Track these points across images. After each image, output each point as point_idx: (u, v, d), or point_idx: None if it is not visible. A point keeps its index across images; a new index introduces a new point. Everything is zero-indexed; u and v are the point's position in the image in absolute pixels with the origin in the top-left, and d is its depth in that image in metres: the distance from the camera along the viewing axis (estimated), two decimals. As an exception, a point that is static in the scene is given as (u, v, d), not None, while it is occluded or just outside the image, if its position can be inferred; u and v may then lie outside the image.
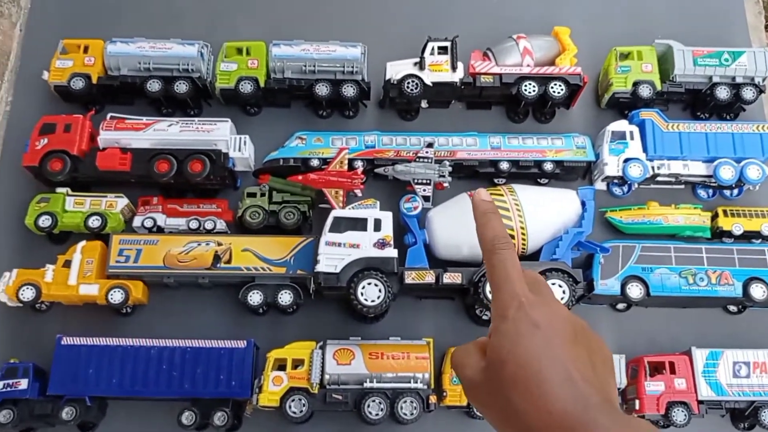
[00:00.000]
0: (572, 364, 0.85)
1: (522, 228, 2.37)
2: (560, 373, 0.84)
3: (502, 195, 2.43)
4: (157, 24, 2.88)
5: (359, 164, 2.61)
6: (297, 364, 2.34)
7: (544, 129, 2.82)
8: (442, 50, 2.68)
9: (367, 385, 2.31)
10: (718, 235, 2.65)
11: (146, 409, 2.40)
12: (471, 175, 2.68)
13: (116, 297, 2.39)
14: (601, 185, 2.73)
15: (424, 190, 2.53)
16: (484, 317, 2.52)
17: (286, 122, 2.78)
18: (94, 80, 2.65)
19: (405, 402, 2.30)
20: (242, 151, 2.56)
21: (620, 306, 2.59)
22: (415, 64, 2.67)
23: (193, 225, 2.54)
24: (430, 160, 2.56)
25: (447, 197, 2.55)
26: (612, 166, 2.62)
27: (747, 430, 2.46)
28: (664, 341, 2.53)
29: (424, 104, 2.82)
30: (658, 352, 2.47)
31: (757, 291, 2.48)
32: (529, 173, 2.68)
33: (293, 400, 2.29)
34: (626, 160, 2.62)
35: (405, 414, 2.29)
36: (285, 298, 2.43)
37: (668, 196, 2.72)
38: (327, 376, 2.31)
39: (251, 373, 2.36)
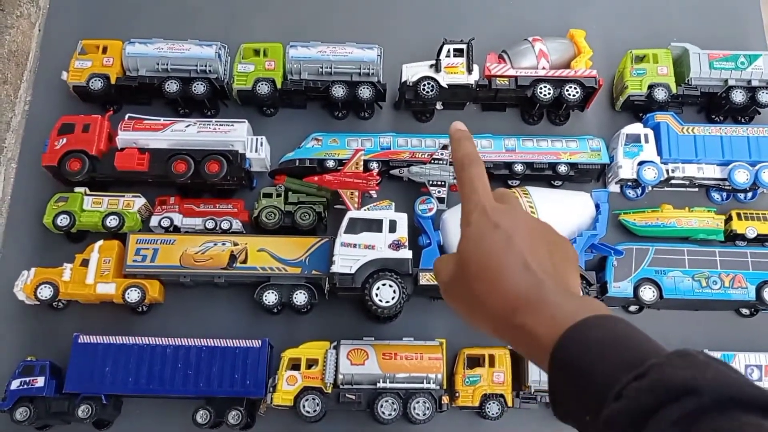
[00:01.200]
0: (529, 254, 0.94)
1: (536, 230, 2.38)
2: (517, 263, 0.93)
3: (516, 197, 2.43)
4: (174, 25, 2.90)
5: (374, 165, 2.62)
6: (311, 363, 2.36)
7: (559, 131, 2.83)
8: (458, 52, 2.69)
9: (381, 385, 2.33)
10: (732, 238, 2.64)
11: (161, 407, 2.42)
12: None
13: (133, 296, 2.42)
14: (614, 188, 2.73)
15: (439, 192, 2.55)
16: (498, 319, 2.52)
17: (302, 123, 2.79)
18: (113, 81, 2.67)
19: (418, 402, 2.32)
20: (259, 152, 2.58)
21: (632, 308, 2.60)
22: (431, 66, 2.68)
23: (210, 225, 2.56)
24: (445, 162, 2.57)
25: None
26: (626, 169, 2.62)
27: (759, 434, 2.46)
28: (676, 343, 2.45)
29: (439, 106, 2.83)
30: (671, 354, 2.46)
31: (770, 295, 2.48)
32: (543, 175, 2.69)
33: (307, 400, 2.31)
34: (641, 163, 2.62)
35: (418, 414, 2.31)
36: (300, 298, 2.45)
37: (682, 199, 2.72)
38: (341, 376, 2.33)
39: (266, 373, 2.38)
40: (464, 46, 2.68)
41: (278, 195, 2.59)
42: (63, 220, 2.51)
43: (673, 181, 2.68)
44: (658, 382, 0.71)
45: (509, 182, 2.70)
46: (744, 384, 0.71)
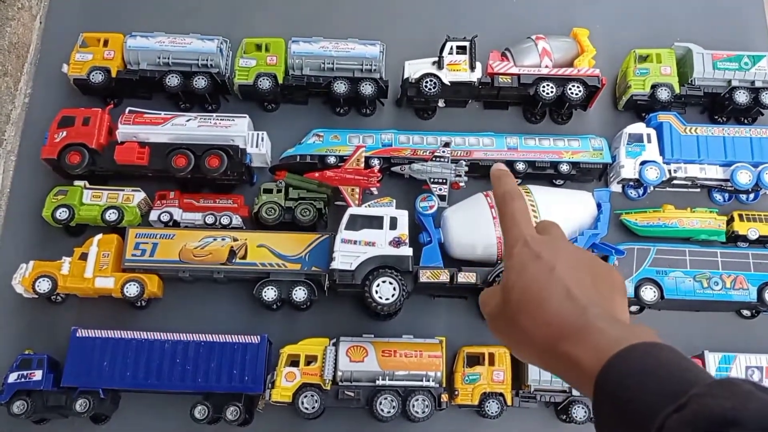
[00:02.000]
0: (573, 283, 0.93)
1: (538, 229, 2.37)
2: (560, 292, 0.92)
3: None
4: (176, 19, 2.90)
5: (376, 162, 2.61)
6: (310, 360, 2.35)
7: (561, 130, 2.82)
8: (461, 50, 2.68)
9: (380, 382, 2.32)
10: (734, 239, 2.64)
11: (159, 402, 2.41)
12: (487, 175, 2.65)
13: (131, 290, 2.41)
14: (616, 187, 2.72)
15: (440, 190, 2.54)
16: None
17: (303, 119, 2.78)
18: (114, 74, 2.66)
19: (417, 400, 2.31)
20: (259, 147, 2.57)
21: (633, 308, 2.59)
22: (434, 63, 2.67)
23: (209, 220, 2.56)
24: (446, 160, 2.56)
25: (463, 197, 2.56)
26: (629, 169, 2.61)
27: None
28: (677, 344, 2.39)
29: (441, 103, 2.82)
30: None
31: (772, 296, 2.47)
32: (545, 174, 2.68)
33: (306, 396, 2.30)
34: (643, 163, 2.61)
35: (417, 412, 2.30)
36: (299, 294, 2.44)
37: (684, 200, 2.72)
38: (340, 373, 2.32)
39: (264, 369, 2.37)
40: (467, 44, 2.67)
41: (279, 191, 2.58)
42: (62, 214, 2.50)
43: (675, 182, 2.67)
44: (698, 414, 0.70)
45: (511, 181, 2.69)
46: None
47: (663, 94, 2.71)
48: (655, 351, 0.81)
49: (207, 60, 2.65)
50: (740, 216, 2.63)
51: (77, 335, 2.36)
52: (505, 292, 0.99)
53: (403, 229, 2.38)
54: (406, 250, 2.36)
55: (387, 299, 2.30)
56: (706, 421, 0.68)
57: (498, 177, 1.15)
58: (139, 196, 2.56)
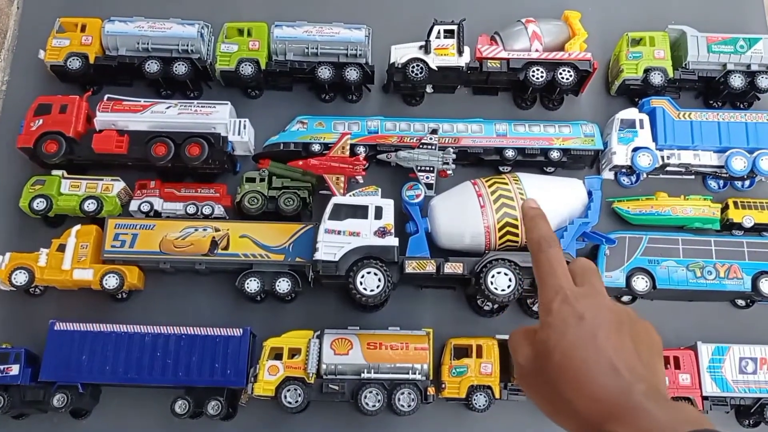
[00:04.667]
0: (616, 353, 0.92)
1: (526, 218, 2.31)
2: (605, 363, 0.91)
3: (506, 184, 2.37)
4: (157, 3, 2.82)
5: (361, 150, 2.55)
6: (294, 353, 2.30)
7: (552, 116, 2.76)
8: (449, 34, 2.61)
9: (365, 375, 2.27)
10: (728, 227, 2.58)
11: (140, 396, 2.37)
12: (475, 162, 2.62)
13: (111, 282, 2.35)
14: (608, 174, 2.66)
15: (427, 178, 2.47)
16: (486, 308, 2.47)
17: (288, 106, 2.72)
18: (92, 60, 2.59)
19: (402, 393, 2.26)
20: (242, 135, 2.51)
21: (625, 298, 2.54)
22: (421, 47, 2.60)
23: (191, 210, 2.50)
24: (434, 147, 2.50)
25: (451, 185, 2.49)
26: (620, 155, 2.55)
27: (752, 427, 2.41)
28: (670, 335, 2.46)
29: (429, 89, 2.75)
30: (664, 346, 2.40)
31: (766, 285, 2.42)
32: (535, 161, 2.61)
33: (289, 390, 2.25)
34: (635, 149, 2.55)
35: (402, 406, 2.25)
36: (283, 286, 2.38)
37: (678, 187, 2.65)
38: (324, 366, 2.27)
39: (247, 362, 2.32)
40: (455, 27, 2.60)
41: (262, 179, 2.51)
42: (39, 204, 2.44)
43: (668, 168, 2.61)
44: None
45: (500, 168, 2.63)
46: None
47: (656, 79, 2.64)
48: None
49: (187, 45, 2.58)
50: (735, 203, 2.57)
51: (55, 328, 2.31)
52: (544, 352, 0.96)
53: (388, 218, 2.32)
54: (392, 240, 2.30)
55: (372, 291, 2.24)
56: None
57: (531, 218, 1.16)
58: (119, 185, 2.50)
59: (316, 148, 2.54)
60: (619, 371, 0.90)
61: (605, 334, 0.94)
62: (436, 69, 2.59)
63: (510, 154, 2.56)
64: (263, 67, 2.61)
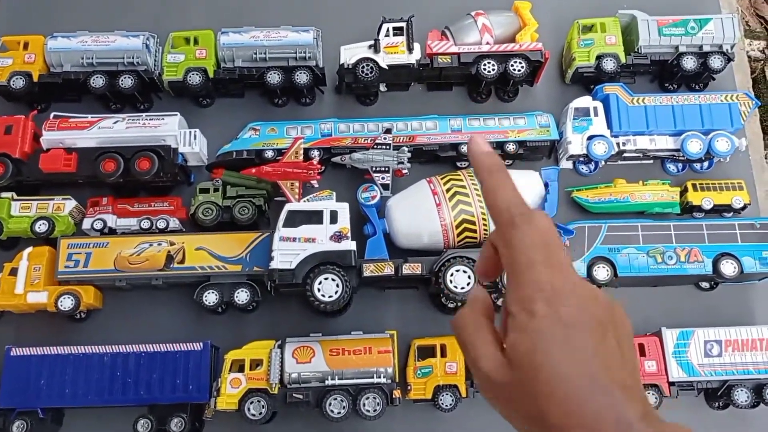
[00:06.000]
0: (608, 369, 0.78)
1: (483, 213, 2.30)
2: (600, 383, 0.76)
3: (461, 179, 2.35)
4: (102, 16, 2.79)
5: (315, 154, 2.52)
6: (256, 364, 2.27)
7: (508, 108, 2.73)
8: (398, 31, 2.58)
9: (329, 382, 2.24)
10: (689, 210, 2.57)
11: (104, 416, 2.33)
12: (432, 159, 2.59)
13: (66, 304, 2.32)
14: (567, 164, 2.64)
15: (383, 178, 2.45)
16: (450, 305, 2.44)
17: (240, 113, 2.69)
18: (36, 78, 2.55)
19: (367, 398, 2.24)
20: (192, 146, 2.47)
21: (589, 288, 2.52)
22: (370, 47, 2.57)
23: (145, 225, 2.46)
24: (388, 147, 2.47)
25: (408, 184, 2.47)
26: (576, 145, 2.53)
27: (721, 409, 2.40)
28: (635, 322, 2.36)
29: (382, 88, 2.73)
30: (630, 334, 2.39)
31: (727, 267, 2.40)
32: (491, 155, 2.58)
33: (252, 402, 2.22)
34: (590, 138, 2.53)
35: (368, 410, 2.23)
36: (241, 296, 2.35)
37: (637, 173, 2.64)
38: (287, 375, 2.24)
39: (209, 376, 2.29)
40: (404, 24, 2.57)
41: (216, 189, 2.48)
42: (-10, 228, 2.39)
43: (625, 155, 2.59)
44: None
45: (457, 164, 2.61)
46: None
47: (609, 65, 2.63)
48: None
49: (133, 57, 2.54)
50: (694, 186, 2.56)
51: (11, 354, 2.27)
52: (528, 366, 0.80)
53: (344, 222, 2.30)
54: (349, 245, 2.27)
55: (330, 297, 2.22)
56: None
57: (490, 173, 0.88)
58: (70, 204, 2.46)
59: (269, 154, 2.51)
60: (613, 392, 0.76)
61: (594, 345, 0.78)
62: (386, 68, 2.56)
63: (465, 149, 2.54)
64: (211, 75, 2.57)
